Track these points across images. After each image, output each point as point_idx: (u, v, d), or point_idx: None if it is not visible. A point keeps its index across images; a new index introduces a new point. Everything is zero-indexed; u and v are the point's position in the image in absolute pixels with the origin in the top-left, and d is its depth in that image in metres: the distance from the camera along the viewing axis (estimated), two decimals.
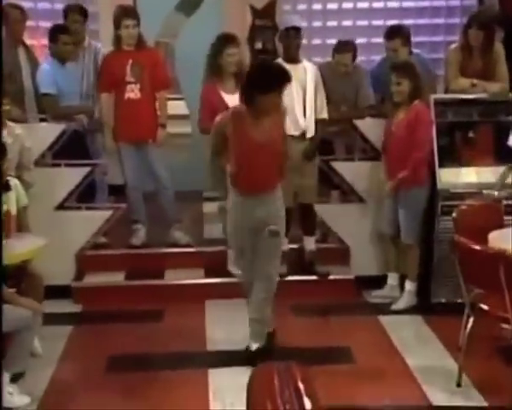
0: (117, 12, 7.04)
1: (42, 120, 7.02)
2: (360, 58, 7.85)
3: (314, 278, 6.97)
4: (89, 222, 7.10)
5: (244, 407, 2.54)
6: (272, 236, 5.40)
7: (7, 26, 6.85)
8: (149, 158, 7.19)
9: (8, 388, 4.94)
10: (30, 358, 5.27)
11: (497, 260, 4.68)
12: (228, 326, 6.32)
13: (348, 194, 7.25)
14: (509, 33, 7.37)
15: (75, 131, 7.04)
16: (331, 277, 7.01)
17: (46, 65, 7.12)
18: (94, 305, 6.76)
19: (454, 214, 5.60)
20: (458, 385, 5.23)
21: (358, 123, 7.04)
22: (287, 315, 6.41)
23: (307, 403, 2.35)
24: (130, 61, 7.01)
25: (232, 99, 6.21)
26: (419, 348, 5.97)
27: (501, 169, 6.56)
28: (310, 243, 6.98)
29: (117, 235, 7.43)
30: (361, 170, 7.07)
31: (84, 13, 7.41)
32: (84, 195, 7.13)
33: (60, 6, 7.96)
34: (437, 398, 5.13)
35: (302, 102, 6.60)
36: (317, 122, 6.69)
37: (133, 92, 7.03)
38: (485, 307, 5.07)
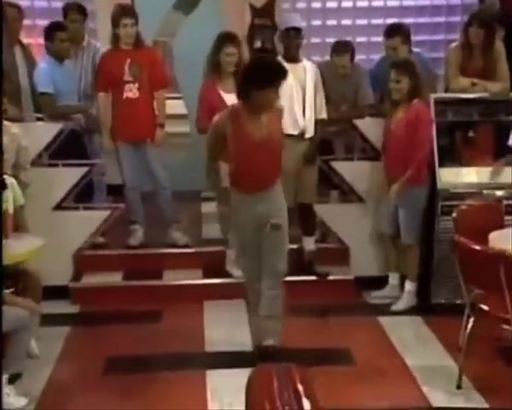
0: (115, 11, 7.02)
1: (38, 119, 6.99)
2: (360, 57, 7.85)
3: (313, 278, 6.95)
4: (86, 222, 7.08)
5: (243, 408, 2.53)
6: (274, 229, 5.37)
7: (3, 25, 6.80)
8: (147, 158, 7.16)
9: (5, 389, 4.91)
10: (27, 359, 5.26)
11: (497, 260, 4.67)
12: (226, 327, 6.31)
13: (348, 194, 7.23)
14: (510, 32, 7.35)
15: (72, 131, 7.02)
16: (330, 277, 6.99)
17: (44, 64, 7.09)
18: (92, 305, 6.74)
19: (454, 214, 5.59)
20: (458, 386, 5.20)
21: (358, 123, 7.02)
22: (286, 316, 6.36)
23: (306, 404, 2.35)
24: (129, 61, 6.98)
25: (231, 98, 6.17)
26: (419, 348, 5.95)
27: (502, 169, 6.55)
28: (309, 244, 6.96)
29: (115, 235, 7.41)
30: (361, 170, 7.05)
31: (83, 11, 7.40)
32: (82, 195, 7.11)
33: (57, 4, 7.98)
34: (437, 399, 5.11)
35: (301, 102, 6.58)
36: (317, 122, 6.67)
37: (131, 92, 7.01)
38: (485, 307, 5.04)
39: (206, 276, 7.08)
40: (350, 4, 9.22)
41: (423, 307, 6.61)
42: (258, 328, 5.59)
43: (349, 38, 7.74)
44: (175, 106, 8.25)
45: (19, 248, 5.24)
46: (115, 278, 7.06)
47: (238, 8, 8.87)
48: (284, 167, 5.55)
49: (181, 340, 6.08)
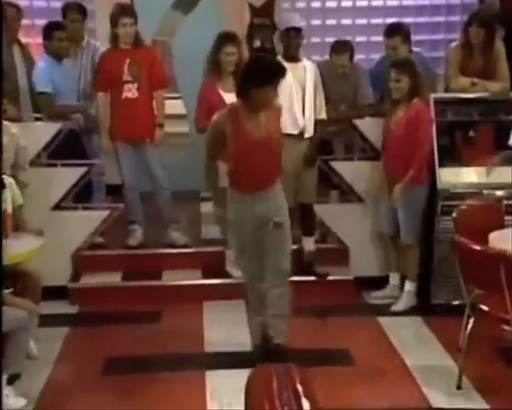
0: (114, 10, 7.00)
1: (37, 119, 6.98)
2: (359, 57, 7.85)
3: (313, 278, 6.94)
4: (85, 222, 7.06)
5: (242, 408, 2.52)
6: (276, 227, 5.37)
7: (3, 25, 6.80)
8: (147, 158, 7.15)
9: (4, 390, 4.89)
10: (26, 360, 5.25)
11: (497, 260, 4.66)
12: (226, 327, 6.30)
13: (347, 194, 7.22)
14: (510, 31, 7.34)
15: (71, 131, 7.00)
16: (330, 277, 6.98)
17: (42, 63, 7.08)
18: (90, 306, 6.73)
19: (454, 214, 5.59)
20: (458, 387, 5.19)
21: (358, 122, 7.00)
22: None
23: (306, 405, 2.35)
24: (128, 60, 6.97)
25: (231, 98, 6.14)
26: (419, 349, 5.94)
27: (501, 169, 6.55)
28: (309, 244, 6.94)
29: (114, 235, 7.39)
30: (360, 170, 7.03)
31: (83, 11, 7.39)
32: (81, 195, 7.09)
33: (56, 4, 7.96)
34: (437, 400, 5.10)
35: (301, 101, 6.56)
36: (316, 123, 6.65)
37: (130, 91, 6.99)
38: (485, 307, 5.04)
39: (205, 276, 7.07)
40: (349, 4, 9.22)
41: (423, 308, 6.60)
42: (263, 326, 5.58)
43: (349, 38, 7.74)
44: (174, 106, 8.24)
45: (18, 249, 5.23)
46: (114, 279, 7.04)
47: (237, 8, 8.87)
48: (284, 167, 5.55)
49: (180, 340, 6.07)
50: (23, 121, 6.80)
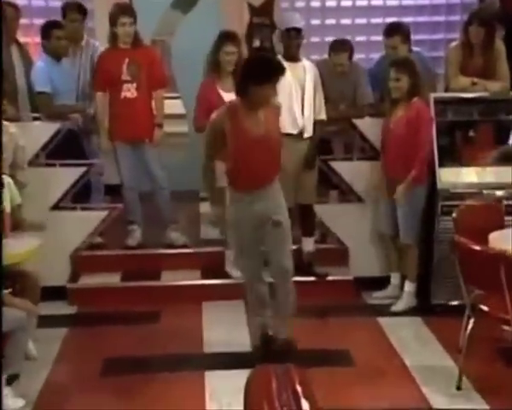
0: (113, 9, 6.98)
1: (35, 118, 6.96)
2: (359, 56, 7.85)
3: (312, 279, 6.92)
4: (84, 222, 7.05)
5: (241, 409, 2.52)
6: (276, 226, 5.38)
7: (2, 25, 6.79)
8: (146, 158, 7.13)
9: (3, 390, 4.87)
10: (25, 360, 5.23)
11: (497, 260, 4.66)
12: (225, 328, 6.29)
13: (347, 194, 7.20)
14: (510, 31, 7.33)
15: (70, 131, 6.99)
16: (330, 278, 6.96)
17: (41, 62, 7.07)
18: (89, 306, 6.71)
19: (454, 214, 5.59)
20: (458, 387, 5.18)
21: (357, 122, 6.99)
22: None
23: (305, 405, 2.35)
24: (127, 60, 6.95)
25: (230, 97, 6.12)
26: (418, 349, 5.93)
27: (501, 169, 6.52)
28: (308, 244, 6.93)
29: (113, 235, 7.38)
30: (360, 170, 7.01)
31: (83, 11, 7.36)
32: (80, 195, 7.08)
33: (54, 3, 7.95)
34: (437, 400, 5.09)
35: (300, 101, 6.55)
36: (315, 123, 6.64)
37: (129, 91, 6.97)
38: (485, 308, 5.03)
39: (204, 276, 7.05)
40: (349, 3, 9.22)
41: (423, 308, 6.58)
42: (263, 327, 5.64)
43: (348, 38, 7.71)
44: (173, 105, 8.21)
45: (17, 248, 5.22)
46: (113, 279, 7.02)
47: (237, 7, 8.86)
48: (284, 166, 5.55)
49: (179, 341, 6.06)
50: (21, 121, 6.79)
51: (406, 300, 6.61)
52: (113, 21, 6.93)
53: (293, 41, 6.56)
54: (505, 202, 6.09)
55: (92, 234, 7.11)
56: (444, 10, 9.23)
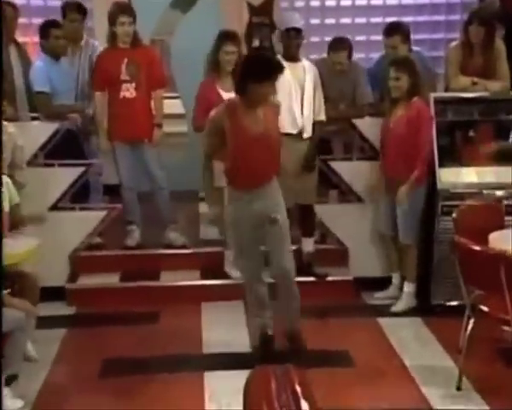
0: (112, 9, 6.96)
1: (34, 118, 6.95)
2: (359, 56, 7.84)
3: (312, 279, 6.90)
4: (83, 223, 7.03)
5: (240, 409, 2.51)
6: (272, 224, 5.39)
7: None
8: (145, 158, 7.12)
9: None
10: (24, 362, 5.21)
11: (497, 261, 4.65)
12: (224, 328, 6.28)
13: (346, 194, 7.19)
14: (510, 30, 7.32)
15: (69, 131, 6.98)
16: (329, 278, 6.95)
17: (39, 62, 7.05)
18: (88, 307, 6.69)
19: (454, 215, 5.58)
20: (458, 388, 5.17)
21: (357, 122, 6.98)
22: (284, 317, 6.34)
23: (304, 406, 2.35)
24: (126, 60, 6.93)
25: (230, 97, 6.12)
26: (418, 349, 5.93)
27: (501, 169, 6.51)
28: (308, 245, 6.91)
29: (112, 236, 7.37)
30: (359, 170, 7.00)
31: (82, 11, 7.34)
32: (79, 195, 7.06)
33: (53, 3, 7.95)
34: (437, 401, 5.08)
35: (300, 101, 6.54)
36: (315, 124, 6.63)
37: (128, 91, 6.96)
38: (485, 308, 5.02)
39: (203, 277, 7.04)
40: (349, 3, 9.20)
41: (423, 308, 6.57)
42: (262, 327, 5.66)
43: (348, 37, 7.67)
44: (172, 105, 8.19)
45: (16, 248, 5.21)
46: (112, 279, 7.00)
47: (236, 7, 8.84)
48: (284, 166, 5.55)
49: (179, 341, 6.05)
50: (20, 121, 6.78)
51: (406, 300, 6.59)
52: (112, 21, 6.91)
53: (293, 41, 6.55)
54: (505, 203, 6.07)
55: (91, 234, 7.09)
56: (444, 10, 9.22)
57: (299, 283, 6.55)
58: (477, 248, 4.77)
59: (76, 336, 6.29)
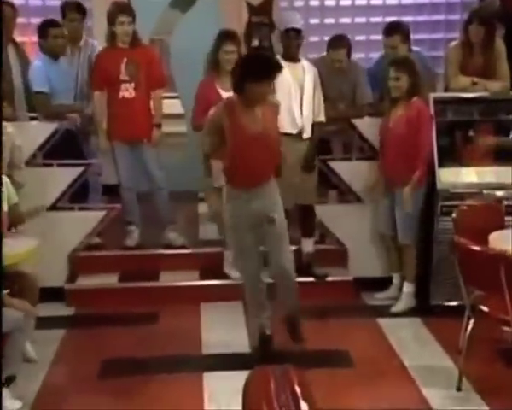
0: (111, 8, 6.94)
1: (33, 118, 6.94)
2: (358, 56, 7.82)
3: (312, 279, 6.88)
4: (82, 223, 7.02)
5: (240, 409, 2.51)
6: (270, 223, 5.40)
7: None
8: (144, 158, 7.10)
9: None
10: (23, 362, 5.21)
11: (497, 261, 4.64)
12: (224, 329, 6.27)
13: (346, 194, 7.18)
14: (510, 30, 7.31)
15: (68, 131, 6.96)
16: (329, 278, 6.94)
17: (38, 62, 7.04)
18: (87, 307, 6.68)
19: (454, 215, 5.57)
20: (458, 389, 5.16)
21: (357, 122, 6.97)
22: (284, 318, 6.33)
23: (304, 407, 2.34)
24: (125, 59, 6.92)
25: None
26: (418, 350, 5.92)
27: (501, 169, 6.50)
28: (308, 245, 6.90)
29: (111, 236, 7.35)
30: (359, 170, 6.99)
31: (82, 11, 7.32)
32: (78, 195, 7.05)
33: (51, 2, 7.93)
34: (436, 401, 5.07)
35: (299, 101, 6.53)
36: (314, 125, 6.61)
37: (128, 91, 6.94)
38: (485, 309, 5.01)
39: (203, 277, 7.03)
40: (348, 2, 9.19)
41: (422, 309, 6.56)
42: (262, 328, 5.66)
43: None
44: (171, 105, 8.17)
45: (16, 249, 5.20)
46: (111, 280, 6.98)
47: (235, 6, 8.82)
48: (284, 160, 5.57)
49: (178, 342, 6.03)
50: (18, 121, 6.76)
51: (405, 300, 6.58)
52: (111, 20, 6.89)
53: (293, 41, 6.54)
54: (505, 203, 6.06)
55: (90, 234, 7.08)
56: (443, 9, 9.21)
57: (299, 283, 6.55)
58: (477, 248, 4.76)
59: (75, 337, 6.27)
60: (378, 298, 6.80)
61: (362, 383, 5.36)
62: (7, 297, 5.01)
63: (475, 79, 6.73)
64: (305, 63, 6.65)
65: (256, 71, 5.17)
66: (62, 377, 5.64)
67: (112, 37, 6.94)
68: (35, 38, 7.34)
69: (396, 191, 6.43)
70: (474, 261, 4.86)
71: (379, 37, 7.34)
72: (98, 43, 7.39)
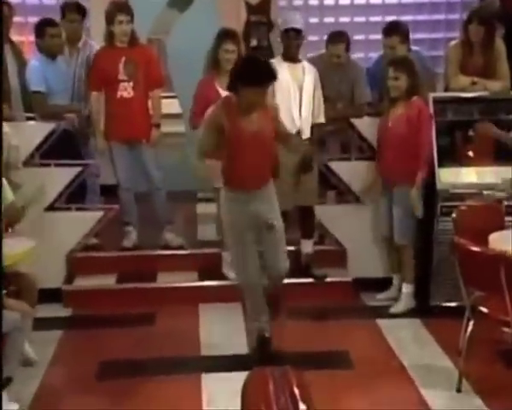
0: (110, 7, 6.91)
1: (29, 118, 6.92)
2: (358, 55, 7.82)
3: (311, 280, 6.87)
4: (79, 223, 7.01)
5: None
6: (268, 229, 5.40)
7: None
8: (142, 158, 7.08)
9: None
10: (24, 365, 5.23)
11: (497, 261, 4.63)
12: (222, 330, 6.25)
13: (345, 194, 7.16)
14: (510, 30, 7.31)
15: (65, 131, 6.94)
16: (328, 279, 6.92)
17: (35, 61, 7.00)
18: (85, 309, 6.66)
19: (454, 215, 5.55)
20: (458, 390, 5.15)
21: (356, 122, 6.95)
22: (283, 318, 6.30)
23: (303, 408, 2.35)
24: (124, 59, 6.89)
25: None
26: (417, 351, 5.91)
27: (502, 169, 6.47)
28: (307, 246, 6.88)
29: (109, 236, 7.34)
30: (358, 170, 6.97)
31: (82, 11, 7.30)
32: (75, 195, 7.02)
33: (49, 1, 7.90)
34: (436, 403, 5.05)
35: (299, 102, 6.51)
36: (314, 126, 6.60)
37: (126, 91, 6.92)
38: (485, 309, 5.00)
39: (201, 278, 7.02)
40: (348, 2, 9.22)
41: (422, 310, 6.55)
42: (260, 330, 5.64)
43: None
44: (169, 105, 8.14)
45: (15, 249, 5.17)
46: (109, 281, 6.96)
47: (234, 6, 8.84)
48: (282, 166, 5.54)
49: (176, 343, 6.02)
50: (15, 121, 6.73)
51: (405, 301, 6.57)
52: (109, 20, 6.87)
53: (293, 41, 6.52)
54: (505, 203, 6.06)
55: (87, 235, 7.06)
56: (443, 8, 9.24)
57: (298, 284, 6.59)
58: (477, 249, 4.75)
59: (72, 338, 6.25)
60: (379, 299, 6.79)
61: (361, 384, 5.35)
62: (5, 298, 4.98)
63: (475, 79, 6.73)
64: (305, 64, 6.64)
65: (248, 77, 5.15)
66: (60, 378, 5.62)
67: (110, 36, 6.92)
68: (32, 38, 7.32)
69: (394, 191, 6.41)
70: (474, 262, 4.84)
71: (378, 36, 7.33)
72: (95, 43, 7.36)
